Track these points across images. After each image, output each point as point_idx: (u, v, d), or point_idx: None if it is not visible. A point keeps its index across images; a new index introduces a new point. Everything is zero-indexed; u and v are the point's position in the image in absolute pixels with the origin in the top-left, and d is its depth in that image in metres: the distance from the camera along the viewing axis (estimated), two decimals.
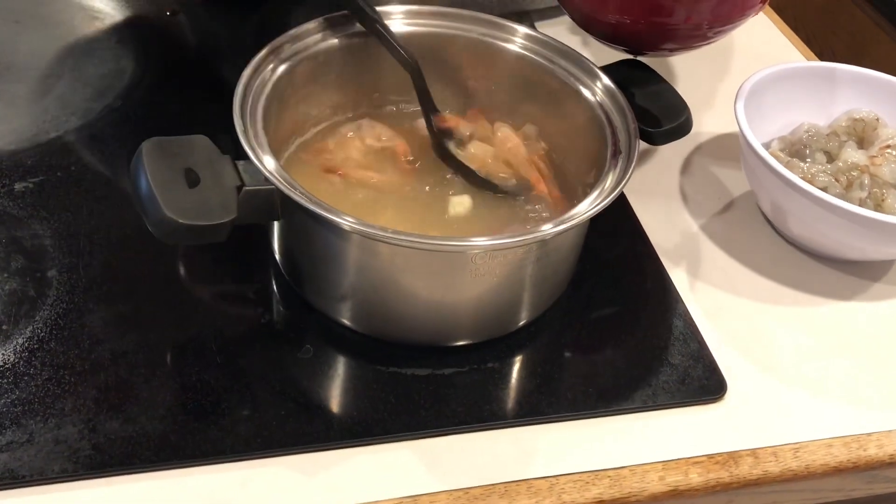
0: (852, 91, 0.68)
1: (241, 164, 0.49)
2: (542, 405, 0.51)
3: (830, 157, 0.64)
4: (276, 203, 0.50)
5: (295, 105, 0.58)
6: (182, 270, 0.56)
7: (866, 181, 0.61)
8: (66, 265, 0.55)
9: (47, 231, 0.57)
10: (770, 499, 0.52)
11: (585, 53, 0.60)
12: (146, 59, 0.72)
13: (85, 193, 0.60)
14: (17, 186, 0.60)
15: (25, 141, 0.64)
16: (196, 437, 0.48)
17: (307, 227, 0.51)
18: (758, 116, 0.63)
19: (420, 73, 0.59)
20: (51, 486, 0.45)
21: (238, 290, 0.56)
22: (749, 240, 0.64)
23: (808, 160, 0.64)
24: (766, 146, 0.63)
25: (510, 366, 0.54)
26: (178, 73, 0.72)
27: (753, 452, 0.51)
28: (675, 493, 0.49)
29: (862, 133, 0.66)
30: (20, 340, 0.51)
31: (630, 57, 0.65)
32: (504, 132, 0.61)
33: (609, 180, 0.52)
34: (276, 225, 0.54)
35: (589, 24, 0.67)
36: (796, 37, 0.86)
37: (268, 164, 0.49)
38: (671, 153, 0.69)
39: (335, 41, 0.59)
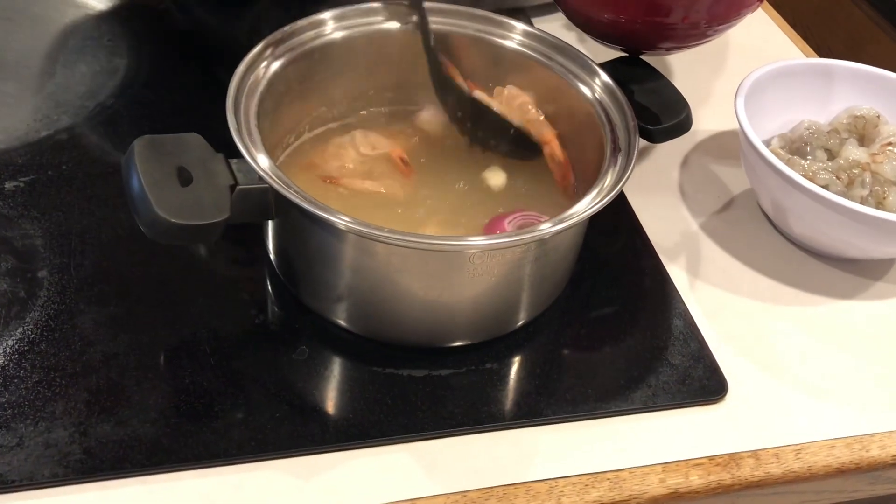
0: (852, 88, 0.67)
1: (234, 162, 0.49)
2: (540, 406, 0.51)
3: (831, 155, 0.64)
4: (270, 202, 0.49)
5: (290, 103, 0.57)
6: (175, 271, 0.56)
7: (868, 179, 0.60)
8: (57, 266, 0.54)
9: (38, 231, 0.56)
10: (771, 500, 0.52)
11: (582, 50, 0.60)
12: (139, 58, 0.72)
13: (76, 193, 0.59)
14: (8, 186, 0.59)
15: (16, 140, 0.63)
16: (189, 441, 0.47)
17: (301, 226, 0.50)
18: (758, 114, 0.62)
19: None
20: (41, 490, 0.44)
21: (232, 290, 0.55)
22: (749, 238, 0.63)
23: (809, 158, 0.63)
24: (766, 143, 0.63)
25: (508, 367, 0.53)
26: (172, 71, 0.72)
27: (755, 454, 0.51)
28: (676, 496, 0.49)
29: (863, 130, 0.65)
30: (10, 342, 0.50)
31: (629, 54, 0.65)
32: (511, 90, 0.60)
33: (608, 178, 0.51)
34: (270, 224, 0.54)
35: (585, 24, 0.66)
36: (795, 33, 0.85)
37: (261, 162, 0.48)
38: (670, 151, 0.69)
39: (332, 38, 0.58)
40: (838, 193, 0.58)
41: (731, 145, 0.70)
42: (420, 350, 0.53)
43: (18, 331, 0.51)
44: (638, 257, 0.61)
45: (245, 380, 0.50)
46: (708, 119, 0.72)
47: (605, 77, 0.57)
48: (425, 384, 0.51)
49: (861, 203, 0.58)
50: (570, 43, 0.60)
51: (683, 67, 0.77)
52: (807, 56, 0.82)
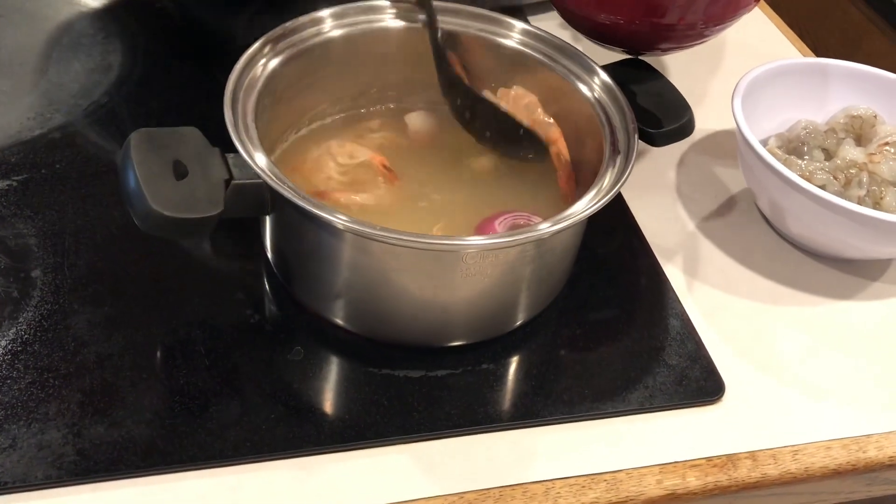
0: (849, 87, 0.67)
1: (230, 157, 0.48)
2: (537, 407, 0.51)
3: (828, 155, 0.64)
4: (265, 198, 0.49)
5: (289, 100, 0.57)
6: (170, 271, 0.55)
7: (865, 179, 0.60)
8: (50, 265, 0.54)
9: (31, 230, 0.56)
10: (768, 502, 0.52)
11: (579, 49, 0.59)
12: (133, 55, 0.71)
13: (70, 192, 0.59)
14: (1, 184, 0.59)
15: (9, 138, 0.62)
16: (184, 442, 0.47)
17: (296, 222, 0.50)
18: (754, 113, 0.62)
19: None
20: (34, 492, 0.44)
21: (228, 290, 0.55)
22: (746, 238, 0.63)
23: (806, 157, 0.63)
24: (763, 143, 0.63)
25: (505, 367, 0.53)
26: (167, 69, 0.71)
27: (752, 455, 0.50)
28: (673, 497, 0.49)
29: (860, 130, 0.65)
30: (2, 343, 0.50)
31: (631, 56, 0.64)
32: (518, 91, 0.59)
33: (606, 179, 0.51)
34: (267, 221, 0.53)
35: (581, 24, 0.66)
36: (792, 33, 0.85)
37: (257, 157, 0.48)
38: (667, 150, 0.68)
39: (331, 35, 0.58)
40: (835, 193, 0.57)
41: (728, 145, 0.70)
42: (416, 350, 0.52)
43: (11, 331, 0.50)
44: (635, 257, 0.61)
45: (240, 380, 0.50)
46: (705, 119, 0.72)
47: (604, 76, 0.57)
48: (422, 385, 0.51)
49: (858, 203, 0.58)
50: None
51: (680, 67, 0.77)
52: (804, 55, 0.82)
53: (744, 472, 0.50)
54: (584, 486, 0.48)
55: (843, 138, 0.64)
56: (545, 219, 0.48)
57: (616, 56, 0.64)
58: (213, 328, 0.52)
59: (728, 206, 0.66)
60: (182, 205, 0.45)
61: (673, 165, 0.68)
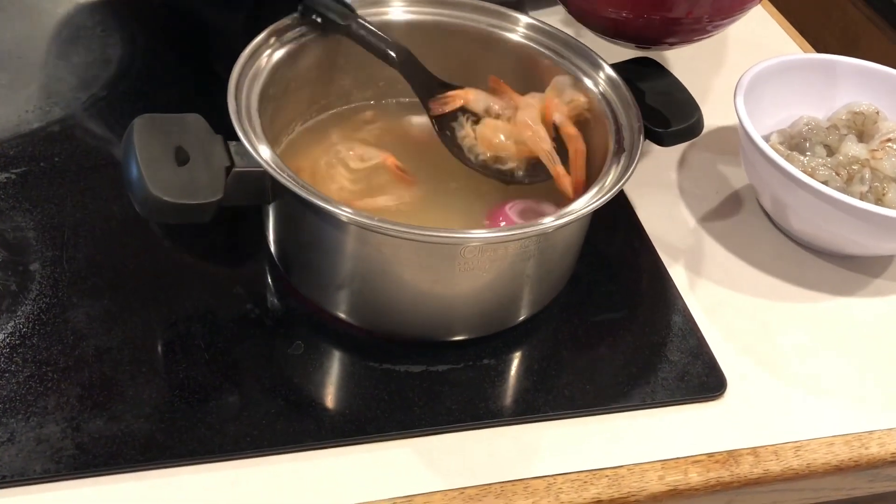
0: (852, 84, 0.67)
1: (233, 144, 0.48)
2: (539, 403, 0.50)
3: (830, 151, 0.64)
4: (266, 186, 0.49)
5: (295, 91, 0.57)
6: (170, 264, 0.55)
7: (867, 175, 0.60)
8: (49, 258, 0.54)
9: (30, 223, 0.56)
10: (770, 498, 0.52)
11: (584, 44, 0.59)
12: (133, 48, 0.71)
13: (69, 185, 0.59)
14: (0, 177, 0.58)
15: (8, 131, 0.62)
16: (183, 436, 0.46)
17: (296, 212, 0.50)
18: (757, 110, 0.62)
19: (408, 64, 0.57)
20: (33, 486, 0.44)
21: (228, 284, 0.55)
22: (748, 235, 0.63)
23: (808, 154, 0.63)
24: (766, 139, 0.62)
25: (507, 363, 0.53)
26: (166, 62, 0.71)
27: (754, 451, 0.50)
28: (675, 493, 0.48)
29: (862, 126, 0.65)
30: (1, 336, 0.49)
31: (640, 54, 0.64)
32: (523, 117, 0.56)
33: (610, 176, 0.51)
34: (270, 212, 0.53)
35: (587, 19, 0.66)
36: (794, 29, 0.85)
37: (259, 147, 0.48)
38: (669, 147, 0.68)
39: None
40: (838, 189, 0.57)
41: (729, 141, 0.70)
42: (417, 345, 0.52)
43: (10, 325, 0.50)
44: (637, 254, 0.60)
45: (240, 374, 0.50)
46: (707, 115, 0.71)
47: (609, 71, 0.57)
48: (423, 380, 0.50)
49: (860, 199, 0.57)
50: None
51: (682, 63, 0.77)
52: (806, 52, 0.82)
53: (746, 468, 0.50)
54: (585, 482, 0.48)
55: (846, 134, 0.64)
56: (556, 205, 0.48)
57: (622, 50, 0.64)
58: (212, 322, 0.52)
59: (730, 202, 0.66)
60: (182, 190, 0.45)
61: (675, 161, 0.68)
